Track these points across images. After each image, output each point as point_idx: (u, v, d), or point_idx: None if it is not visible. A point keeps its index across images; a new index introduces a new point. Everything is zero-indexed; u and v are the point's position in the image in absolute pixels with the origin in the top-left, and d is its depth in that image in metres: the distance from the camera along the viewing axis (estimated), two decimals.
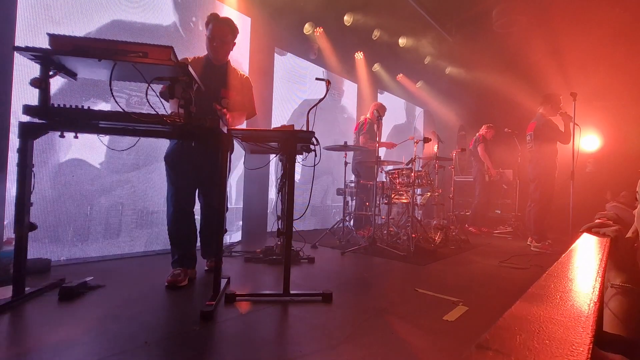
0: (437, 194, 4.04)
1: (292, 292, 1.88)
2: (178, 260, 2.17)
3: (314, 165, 2.05)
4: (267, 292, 1.95)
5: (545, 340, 0.32)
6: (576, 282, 0.55)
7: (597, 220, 1.17)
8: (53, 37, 1.54)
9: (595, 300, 0.44)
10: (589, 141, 5.79)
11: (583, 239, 1.00)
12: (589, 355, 0.29)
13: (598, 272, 0.60)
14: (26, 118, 1.62)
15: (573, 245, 0.88)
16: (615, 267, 0.97)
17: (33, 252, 2.22)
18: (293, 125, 1.96)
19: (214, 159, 1.98)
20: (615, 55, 5.19)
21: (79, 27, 2.59)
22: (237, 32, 2.29)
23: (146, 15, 2.97)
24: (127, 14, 2.85)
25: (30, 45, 1.53)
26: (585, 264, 0.69)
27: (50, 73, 1.63)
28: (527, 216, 4.19)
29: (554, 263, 0.68)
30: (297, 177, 4.25)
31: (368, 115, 4.44)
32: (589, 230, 1.11)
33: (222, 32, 2.20)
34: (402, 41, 5.71)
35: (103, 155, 2.70)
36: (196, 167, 2.20)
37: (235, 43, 2.31)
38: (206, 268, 2.46)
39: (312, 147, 2.02)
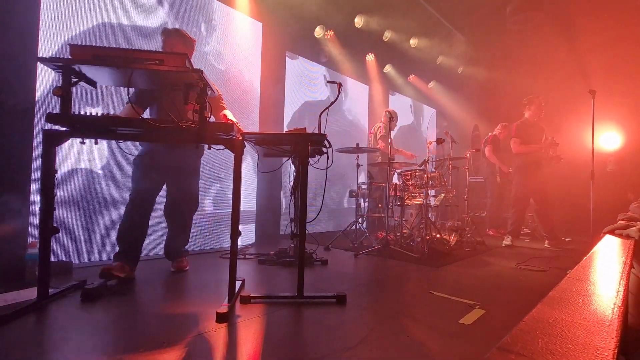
0: (450, 195, 3.98)
1: (306, 294, 1.88)
2: (119, 254, 2.18)
3: (327, 168, 2.05)
4: (282, 294, 1.96)
5: (568, 345, 0.31)
6: (599, 286, 0.54)
7: (620, 222, 1.13)
8: (73, 47, 1.59)
9: (620, 305, 0.43)
10: (609, 139, 5.57)
11: (605, 241, 0.97)
12: None
13: (622, 276, 0.59)
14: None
15: (595, 248, 0.86)
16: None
17: (55, 254, 2.30)
18: (305, 128, 1.98)
19: (186, 158, 2.41)
20: (637, 50, 5.01)
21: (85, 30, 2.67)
22: (189, 40, 2.39)
23: (143, 18, 3.03)
24: (123, 19, 2.90)
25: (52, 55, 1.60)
26: (608, 267, 0.67)
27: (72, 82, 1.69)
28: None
29: (575, 265, 0.66)
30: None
31: (382, 120, 4.50)
32: (612, 232, 1.08)
33: (169, 44, 2.33)
34: (413, 42, 5.66)
35: (123, 159, 2.77)
36: (163, 170, 2.32)
37: (189, 50, 2.36)
38: (172, 269, 2.49)
39: (324, 149, 2.03)
